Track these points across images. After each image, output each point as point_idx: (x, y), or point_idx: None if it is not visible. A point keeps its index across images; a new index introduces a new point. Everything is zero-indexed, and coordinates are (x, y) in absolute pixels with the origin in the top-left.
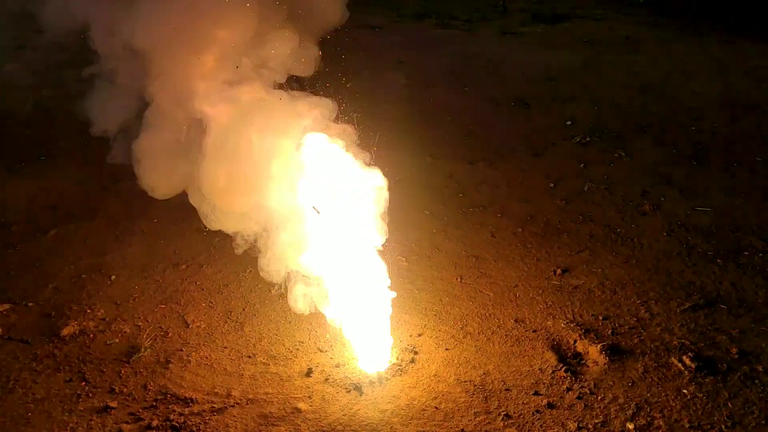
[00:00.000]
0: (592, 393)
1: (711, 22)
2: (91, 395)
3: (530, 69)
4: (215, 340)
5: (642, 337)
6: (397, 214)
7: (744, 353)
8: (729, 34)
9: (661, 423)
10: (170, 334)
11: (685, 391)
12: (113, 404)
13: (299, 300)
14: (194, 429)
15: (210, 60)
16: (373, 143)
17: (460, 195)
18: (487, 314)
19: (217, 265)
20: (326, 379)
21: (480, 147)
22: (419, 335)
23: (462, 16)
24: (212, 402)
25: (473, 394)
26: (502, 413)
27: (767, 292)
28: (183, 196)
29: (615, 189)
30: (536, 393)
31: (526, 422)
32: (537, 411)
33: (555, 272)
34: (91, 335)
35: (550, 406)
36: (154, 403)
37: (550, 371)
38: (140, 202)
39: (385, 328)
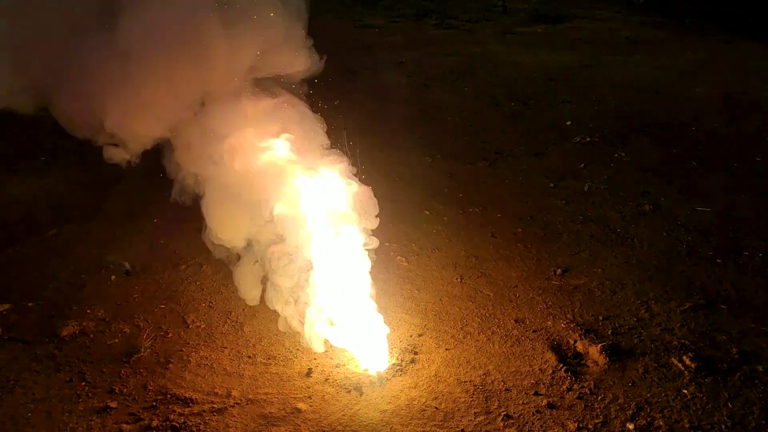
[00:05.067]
0: (592, 393)
1: (711, 22)
2: (91, 395)
3: (530, 69)
4: (215, 341)
5: (642, 337)
6: (397, 214)
7: (744, 353)
8: (729, 34)
9: (661, 423)
10: (170, 334)
11: (685, 391)
12: (113, 404)
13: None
14: (194, 429)
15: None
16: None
17: (460, 195)
18: (487, 314)
19: (217, 265)
20: (326, 379)
21: (480, 147)
22: (419, 335)
23: (462, 16)
24: (212, 402)
25: (473, 394)
26: (503, 413)
27: (767, 292)
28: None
29: (615, 189)
30: (536, 393)
31: (527, 422)
32: (537, 411)
33: (555, 272)
34: (91, 335)
35: (551, 406)
36: (154, 404)
37: (551, 371)
38: (140, 202)
39: (380, 331)
